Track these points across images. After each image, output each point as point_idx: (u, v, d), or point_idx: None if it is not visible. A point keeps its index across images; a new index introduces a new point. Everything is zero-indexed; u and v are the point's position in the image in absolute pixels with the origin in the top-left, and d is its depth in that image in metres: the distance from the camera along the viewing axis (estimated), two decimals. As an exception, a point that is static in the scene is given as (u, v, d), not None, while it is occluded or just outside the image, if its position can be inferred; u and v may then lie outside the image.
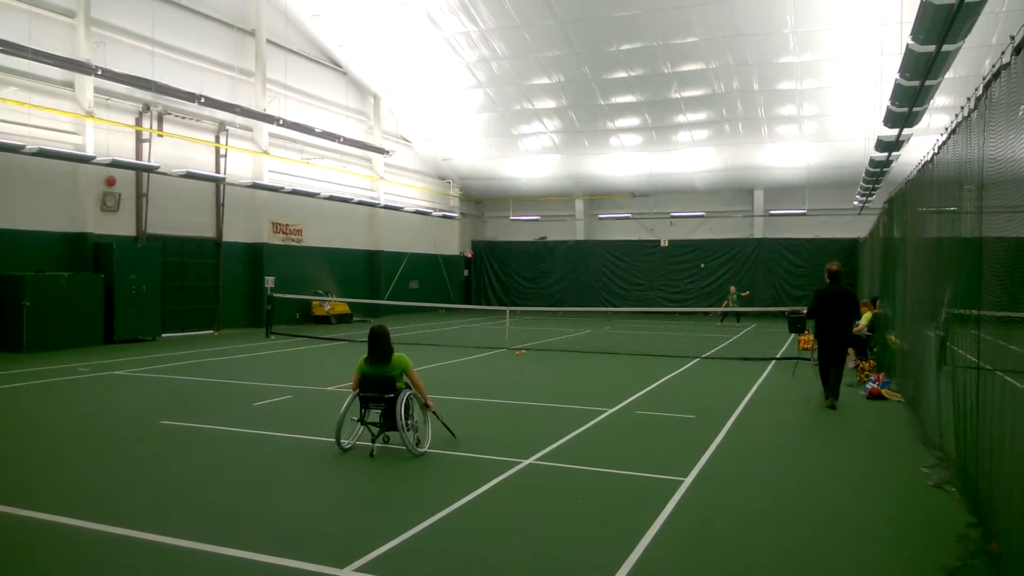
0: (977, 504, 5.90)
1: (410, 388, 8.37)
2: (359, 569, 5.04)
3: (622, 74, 28.09)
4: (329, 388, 12.77)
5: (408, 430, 8.04)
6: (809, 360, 15.38)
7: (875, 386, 12.25)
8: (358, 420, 8.24)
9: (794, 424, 10.33)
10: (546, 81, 29.25)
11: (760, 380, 14.15)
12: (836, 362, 11.45)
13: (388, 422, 8.08)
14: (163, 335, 21.85)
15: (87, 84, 20.21)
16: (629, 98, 29.72)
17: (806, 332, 16.50)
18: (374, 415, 8.20)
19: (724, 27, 24.48)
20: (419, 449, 8.08)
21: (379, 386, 8.13)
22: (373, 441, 8.12)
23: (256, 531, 5.82)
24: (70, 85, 20.20)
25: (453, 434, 8.84)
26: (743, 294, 31.67)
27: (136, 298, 20.64)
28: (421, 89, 31.44)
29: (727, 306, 30.14)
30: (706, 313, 33.89)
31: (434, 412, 8.62)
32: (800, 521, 6.17)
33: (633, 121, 31.43)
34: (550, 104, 30.90)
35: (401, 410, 7.94)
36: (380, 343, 8.23)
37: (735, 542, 5.66)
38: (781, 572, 5.10)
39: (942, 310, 7.60)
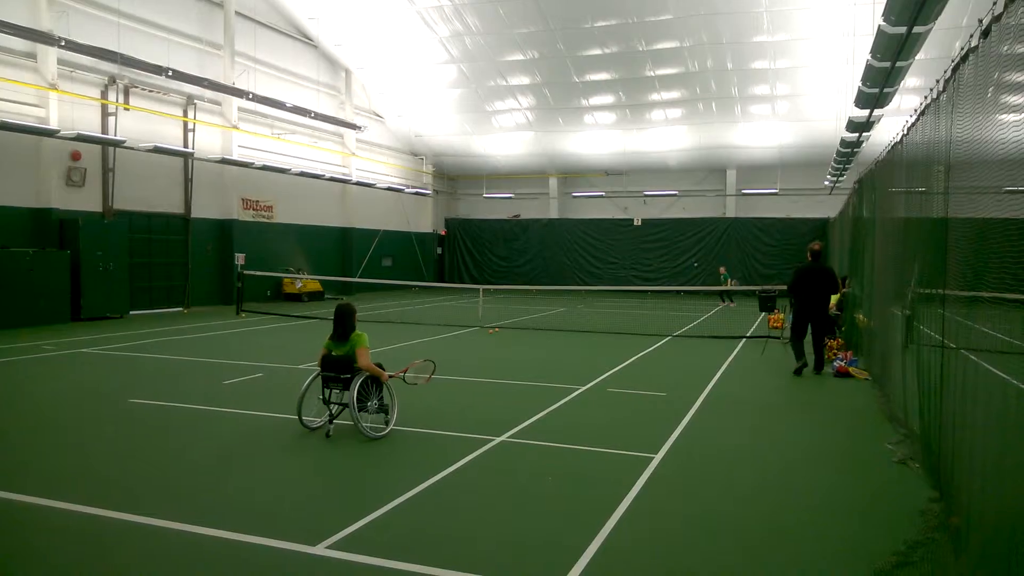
0: (939, 479, 6.03)
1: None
2: (331, 546, 5.04)
3: (597, 51, 28.00)
4: (300, 366, 12.69)
5: (367, 412, 7.88)
6: (779, 339, 15.58)
7: (842, 364, 12.43)
8: (322, 399, 8.12)
9: (762, 401, 10.47)
10: (520, 57, 29.07)
11: (730, 358, 14.30)
12: (814, 335, 12.44)
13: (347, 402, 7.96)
14: (131, 312, 21.57)
15: (50, 55, 19.72)
16: (604, 75, 29.64)
17: (776, 311, 16.68)
18: (336, 395, 8.05)
19: (699, 5, 24.46)
20: (374, 432, 7.80)
21: (337, 365, 7.98)
22: (330, 421, 7.93)
23: (227, 510, 5.79)
24: (32, 56, 19.70)
25: (411, 382, 8.80)
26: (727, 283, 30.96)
27: (103, 275, 20.32)
28: (393, 64, 31.10)
29: (731, 286, 29.55)
30: (679, 292, 34.07)
31: (396, 376, 8.43)
32: (766, 496, 6.27)
33: (607, 99, 31.38)
34: (524, 81, 30.73)
35: (353, 392, 7.70)
36: (342, 321, 8.11)
37: (704, 518, 5.73)
38: (747, 546, 5.19)
39: (909, 289, 7.71)
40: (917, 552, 4.96)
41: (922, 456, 6.86)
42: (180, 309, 23.89)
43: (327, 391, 8.06)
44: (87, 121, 20.98)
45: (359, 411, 7.77)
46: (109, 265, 20.47)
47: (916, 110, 7.82)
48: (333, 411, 7.98)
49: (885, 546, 5.09)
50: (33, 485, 6.25)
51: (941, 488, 5.96)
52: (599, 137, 34.35)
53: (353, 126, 31.92)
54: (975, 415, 4.63)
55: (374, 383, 8.06)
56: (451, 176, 40.90)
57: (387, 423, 8.03)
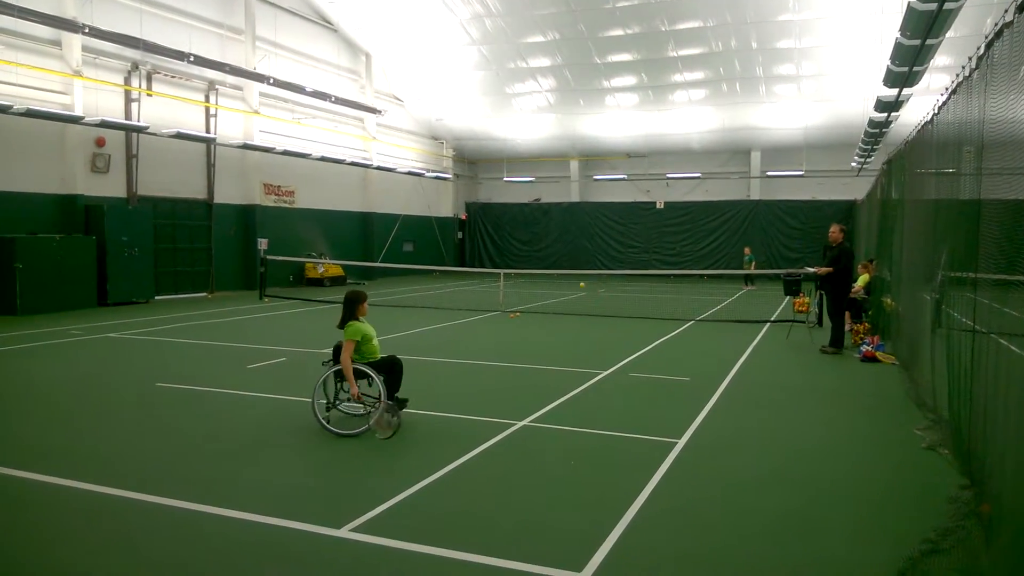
0: (970, 466, 5.93)
1: (360, 362, 7.66)
2: (355, 529, 5.06)
3: (618, 32, 27.70)
4: (323, 350, 12.72)
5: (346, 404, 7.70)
6: (804, 323, 15.42)
7: (869, 348, 12.28)
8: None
9: (788, 387, 10.37)
10: (541, 39, 28.85)
11: (754, 343, 14.18)
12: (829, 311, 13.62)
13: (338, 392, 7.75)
14: (156, 297, 21.77)
15: (75, 42, 19.85)
16: (625, 56, 29.35)
17: (801, 295, 16.51)
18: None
19: (722, -16, 24.12)
20: (337, 428, 7.41)
21: (334, 353, 7.83)
22: (328, 408, 7.66)
23: (252, 492, 5.83)
24: (57, 44, 19.84)
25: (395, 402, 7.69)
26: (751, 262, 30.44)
27: (129, 260, 20.51)
28: (414, 47, 30.98)
29: (752, 268, 29.21)
30: (702, 276, 33.83)
31: (358, 399, 7.51)
32: (792, 483, 6.20)
33: (629, 80, 31.07)
34: (545, 62, 30.51)
35: (317, 384, 7.54)
36: (343, 307, 7.85)
37: (727, 504, 5.69)
38: (773, 534, 5.14)
39: (938, 272, 7.58)
40: (947, 540, 4.88)
41: (951, 442, 6.75)
42: (204, 294, 24.09)
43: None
44: (111, 107, 21.12)
45: (335, 404, 7.67)
46: (134, 250, 20.66)
47: (947, 89, 7.64)
48: (330, 401, 7.72)
49: (914, 533, 5.01)
50: (61, 467, 6.32)
51: (971, 475, 5.86)
52: (621, 119, 34.05)
53: (373, 110, 31.89)
54: (1008, 401, 4.53)
55: (386, 374, 7.68)
56: (471, 160, 40.79)
57: (367, 423, 7.37)
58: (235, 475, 6.31)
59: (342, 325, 7.75)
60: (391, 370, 7.81)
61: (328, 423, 7.51)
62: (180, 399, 9.15)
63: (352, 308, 7.80)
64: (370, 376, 7.58)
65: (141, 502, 5.59)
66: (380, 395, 7.46)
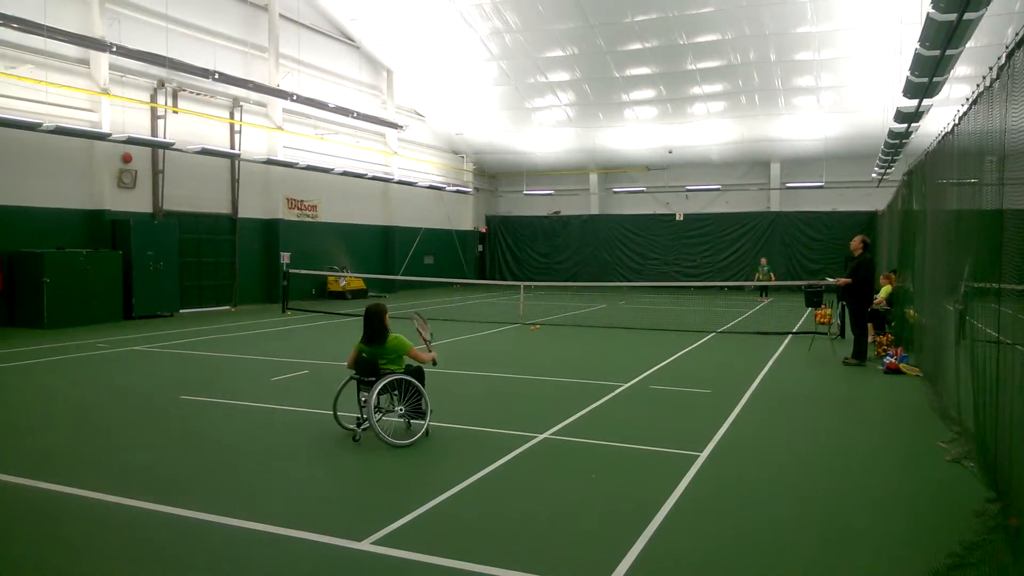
0: (996, 479, 5.87)
1: (396, 372, 7.79)
2: (376, 542, 5.09)
3: (637, 46, 27.77)
4: (346, 363, 12.82)
5: (395, 416, 7.74)
6: (826, 335, 15.31)
7: (893, 360, 12.18)
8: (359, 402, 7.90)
9: (811, 398, 10.31)
10: (560, 53, 28.97)
11: (776, 355, 14.10)
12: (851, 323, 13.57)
13: (381, 406, 7.71)
14: (181, 311, 22.01)
15: (102, 61, 20.22)
16: (644, 70, 29.39)
17: (823, 306, 16.41)
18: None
19: (741, -3, 24.11)
20: (396, 440, 7.47)
21: (364, 368, 7.83)
22: (359, 425, 7.73)
23: (274, 504, 5.88)
24: (85, 62, 20.22)
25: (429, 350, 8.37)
26: (770, 276, 29.75)
27: (154, 274, 20.78)
28: (434, 63, 31.23)
29: (758, 279, 29.10)
30: (722, 288, 33.69)
31: (426, 342, 8.42)
32: (816, 496, 6.17)
33: (648, 93, 31.10)
34: (564, 77, 30.63)
35: (372, 396, 7.45)
36: (371, 323, 7.85)
37: (750, 517, 5.67)
38: (797, 547, 5.11)
39: (961, 283, 7.53)
40: (974, 554, 4.83)
41: (977, 455, 6.68)
42: (228, 307, 24.32)
43: (361, 394, 7.83)
44: (137, 124, 21.45)
45: (386, 415, 7.70)
46: (159, 264, 20.92)
47: (967, 99, 7.62)
48: (363, 414, 7.73)
49: (940, 547, 4.97)
50: (84, 478, 6.41)
51: (998, 488, 5.80)
52: (640, 132, 34.07)
53: (395, 125, 32.14)
54: (1033, 413, 4.50)
55: (408, 387, 7.77)
56: (491, 174, 40.95)
57: (417, 432, 7.67)
58: (258, 487, 6.37)
59: (377, 338, 7.82)
60: (420, 377, 7.99)
61: (355, 437, 7.71)
62: (204, 411, 9.25)
63: (383, 320, 7.89)
64: (397, 392, 7.74)
65: (164, 514, 5.66)
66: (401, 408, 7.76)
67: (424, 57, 30.96)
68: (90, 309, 18.93)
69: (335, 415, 8.04)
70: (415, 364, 8.14)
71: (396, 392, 7.77)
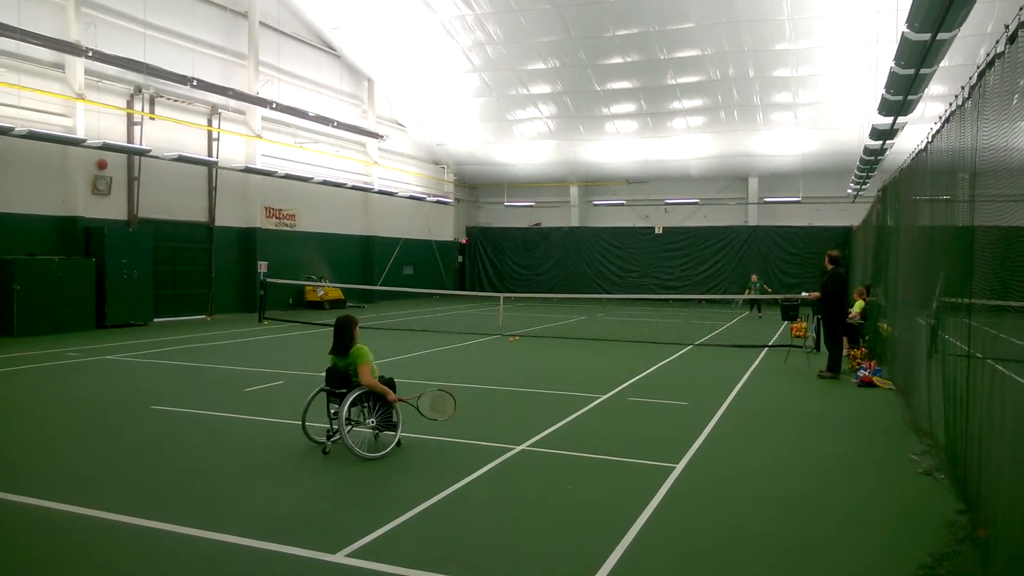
0: (966, 491, 5.94)
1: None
2: (351, 555, 5.04)
3: (618, 60, 27.99)
4: (321, 374, 12.71)
5: (367, 429, 7.65)
6: (801, 348, 15.43)
7: (866, 373, 12.29)
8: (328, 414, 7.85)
9: (785, 411, 10.37)
10: (541, 66, 29.12)
11: (752, 367, 14.19)
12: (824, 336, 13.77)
13: (351, 418, 7.60)
14: (155, 320, 21.78)
15: (78, 66, 20.03)
16: (625, 84, 29.62)
17: (799, 319, 16.55)
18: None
19: (721, 13, 24.40)
20: (366, 452, 7.40)
21: (334, 380, 7.74)
22: (328, 437, 7.65)
23: (247, 517, 5.81)
24: (60, 67, 20.02)
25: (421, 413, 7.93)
26: (766, 288, 30.20)
27: (128, 282, 20.55)
28: (416, 73, 31.27)
29: (750, 294, 29.19)
30: (700, 301, 33.89)
31: (405, 401, 7.82)
32: (790, 508, 6.19)
33: (628, 107, 31.34)
34: (545, 89, 30.78)
35: (343, 409, 7.35)
36: (340, 334, 7.76)
37: (725, 528, 5.68)
38: (770, 558, 5.13)
39: (934, 298, 7.62)
40: (944, 565, 4.88)
41: (947, 467, 6.75)
42: (203, 317, 24.09)
43: (332, 406, 7.74)
44: (113, 130, 21.27)
45: (356, 427, 7.60)
46: (134, 273, 20.70)
47: (941, 117, 7.74)
48: (333, 427, 7.64)
49: (911, 558, 5.01)
50: (53, 490, 6.31)
51: (968, 500, 5.86)
52: (620, 145, 34.30)
53: (375, 135, 32.11)
54: (1003, 426, 4.55)
55: (378, 400, 7.69)
56: (472, 185, 41.00)
57: (387, 444, 7.62)
58: (230, 499, 6.30)
59: (345, 349, 7.69)
60: (392, 386, 7.88)
61: (324, 450, 7.59)
62: (176, 422, 9.14)
63: (352, 330, 7.76)
64: (367, 404, 7.66)
65: (135, 526, 5.57)
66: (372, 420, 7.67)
67: (406, 67, 30.99)
68: (62, 317, 18.67)
69: (304, 427, 7.88)
70: (387, 376, 8.02)
71: (367, 404, 7.68)
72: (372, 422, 7.67)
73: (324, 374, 7.96)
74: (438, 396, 8.02)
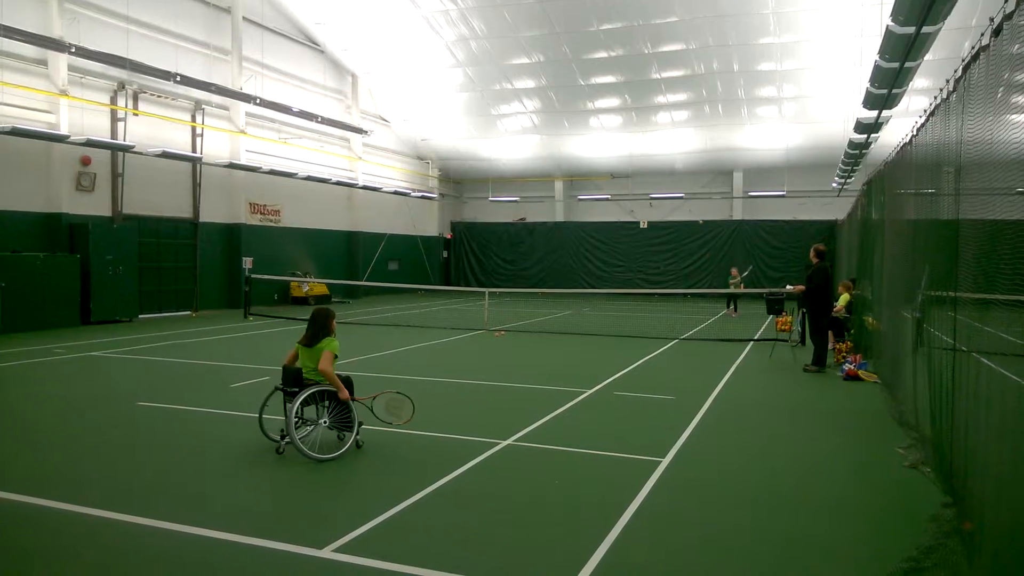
0: (951, 484, 5.98)
1: (320, 383, 7.39)
2: (337, 549, 5.03)
3: (602, 54, 27.97)
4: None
5: (321, 427, 7.42)
6: (787, 342, 15.51)
7: (852, 367, 12.37)
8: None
9: (771, 405, 10.42)
10: (526, 61, 29.07)
11: (738, 361, 14.24)
12: (810, 330, 13.75)
13: (304, 417, 7.41)
14: (140, 316, 21.62)
15: (61, 61, 19.81)
16: (609, 78, 29.61)
17: (783, 313, 16.61)
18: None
19: (705, 7, 24.42)
20: (317, 453, 7.16)
21: (287, 378, 7.49)
22: (282, 437, 7.34)
23: (234, 512, 5.78)
24: (43, 63, 19.79)
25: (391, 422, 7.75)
26: (744, 274, 28.70)
27: (113, 279, 20.39)
28: (399, 68, 31.15)
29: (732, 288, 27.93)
30: (685, 295, 33.95)
31: (359, 401, 7.56)
32: (775, 501, 6.22)
33: (613, 102, 31.34)
34: (530, 84, 30.73)
35: (292, 409, 7.12)
36: (314, 324, 7.53)
37: (711, 522, 5.70)
38: (757, 551, 5.15)
39: (919, 292, 7.66)
40: (930, 558, 4.91)
41: (933, 460, 6.80)
42: (188, 313, 23.93)
43: (286, 405, 7.40)
44: (97, 126, 21.05)
45: (305, 425, 7.41)
46: (118, 269, 20.54)
47: (925, 111, 7.77)
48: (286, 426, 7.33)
49: (897, 551, 5.04)
50: (38, 486, 6.25)
51: (953, 493, 5.90)
52: (605, 140, 34.31)
53: (359, 130, 31.97)
54: (988, 419, 4.58)
55: (331, 398, 7.42)
56: (457, 180, 40.91)
57: (343, 444, 7.38)
58: (216, 494, 6.26)
59: (315, 340, 7.44)
60: (349, 387, 7.62)
61: (278, 450, 7.34)
62: (161, 418, 9.07)
63: (328, 322, 7.55)
64: (325, 404, 7.44)
65: (118, 522, 5.54)
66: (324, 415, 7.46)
67: (389, 62, 30.85)
68: (46, 314, 18.50)
69: (260, 424, 7.66)
70: (345, 375, 7.77)
71: (325, 404, 7.44)
72: (325, 421, 7.41)
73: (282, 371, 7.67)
74: (395, 399, 7.82)
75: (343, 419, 7.47)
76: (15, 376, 12.07)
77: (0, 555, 5.02)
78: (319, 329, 7.51)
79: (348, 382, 7.68)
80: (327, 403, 7.46)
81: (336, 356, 7.49)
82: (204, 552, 5.05)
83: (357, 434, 7.49)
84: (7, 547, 5.16)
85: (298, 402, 7.22)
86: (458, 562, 4.88)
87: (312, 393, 7.37)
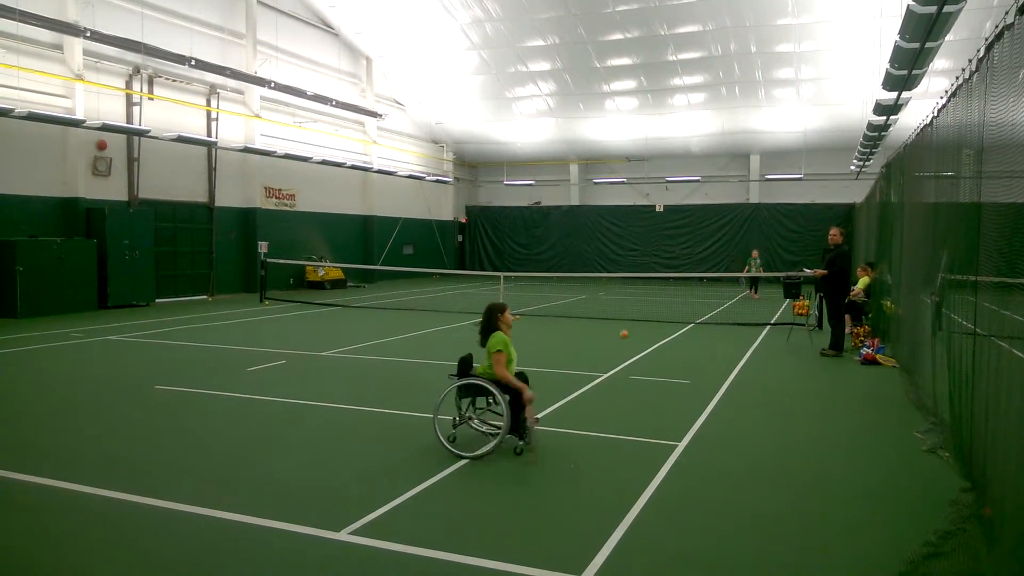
0: (971, 469, 5.93)
1: (483, 377, 7.06)
2: (354, 532, 5.06)
3: (618, 36, 27.74)
4: (323, 353, 12.75)
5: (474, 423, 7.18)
6: (804, 326, 15.42)
7: (870, 351, 12.28)
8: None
9: (787, 389, 10.37)
10: (541, 43, 28.88)
11: (755, 345, 14.18)
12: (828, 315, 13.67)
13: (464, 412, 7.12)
14: (157, 300, 21.77)
15: (76, 46, 19.87)
16: (625, 60, 29.38)
17: (800, 297, 16.51)
18: (469, 403, 7.21)
19: (722, -12, 24.15)
20: (469, 452, 6.81)
21: (460, 367, 7.16)
22: (454, 426, 7.05)
23: (251, 495, 5.82)
24: (59, 47, 19.87)
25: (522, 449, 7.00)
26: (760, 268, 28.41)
27: (129, 263, 20.53)
28: (414, 51, 31.03)
29: (748, 271, 27.98)
30: (701, 279, 33.79)
31: (531, 422, 6.89)
32: (793, 485, 6.20)
33: (629, 84, 31.10)
34: (545, 66, 30.55)
35: (440, 402, 6.91)
36: (483, 319, 7.24)
37: (728, 505, 5.69)
38: (773, 535, 5.14)
39: (938, 275, 7.58)
40: (949, 543, 4.88)
41: (952, 445, 6.75)
42: (205, 297, 24.08)
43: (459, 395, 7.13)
44: (112, 111, 21.13)
45: (467, 419, 7.09)
46: (135, 253, 20.67)
47: (946, 92, 7.66)
48: (459, 417, 7.08)
49: (916, 536, 5.01)
50: (60, 469, 6.32)
51: (973, 478, 5.86)
52: (620, 122, 34.07)
53: (374, 114, 31.92)
54: (1009, 404, 4.53)
55: (507, 396, 6.87)
56: (472, 163, 40.82)
57: (510, 444, 6.99)
58: (234, 478, 6.31)
59: (486, 339, 7.13)
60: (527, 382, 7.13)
61: (453, 443, 6.93)
62: (179, 402, 9.15)
63: (492, 317, 7.25)
64: (493, 394, 7.02)
65: (138, 504, 5.59)
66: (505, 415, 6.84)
67: (404, 45, 30.74)
68: (64, 298, 18.66)
69: (435, 426, 7.06)
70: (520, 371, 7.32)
71: (490, 398, 7.12)
72: (473, 418, 7.15)
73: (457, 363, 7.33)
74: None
75: (514, 419, 6.89)
76: (34, 360, 12.19)
77: (25, 537, 5.09)
78: (484, 325, 7.23)
79: (523, 379, 7.16)
80: (494, 400, 7.07)
81: (510, 358, 7.04)
82: (221, 534, 5.10)
83: (503, 437, 6.84)
84: (24, 527, 5.23)
85: (455, 385, 6.99)
86: (474, 544, 4.89)
87: (476, 385, 7.03)
